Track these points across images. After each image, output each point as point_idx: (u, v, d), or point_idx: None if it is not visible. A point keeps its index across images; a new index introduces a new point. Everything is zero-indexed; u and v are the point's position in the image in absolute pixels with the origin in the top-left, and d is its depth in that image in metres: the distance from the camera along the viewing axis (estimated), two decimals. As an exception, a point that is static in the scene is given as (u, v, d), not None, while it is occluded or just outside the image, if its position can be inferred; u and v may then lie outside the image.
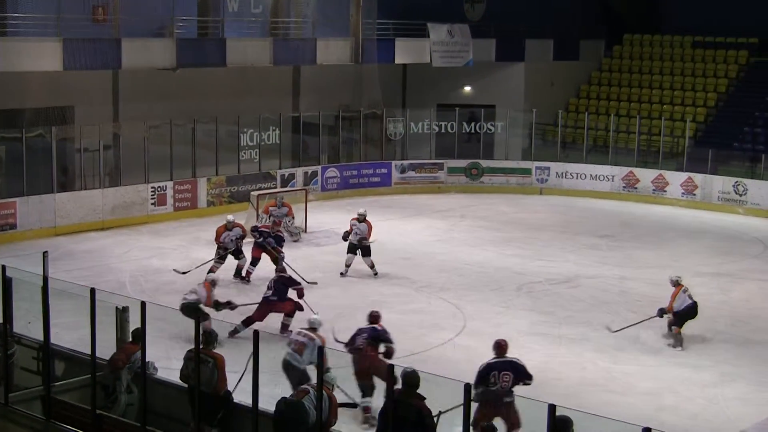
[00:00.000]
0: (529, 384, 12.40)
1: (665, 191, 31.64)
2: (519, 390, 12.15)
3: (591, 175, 32.65)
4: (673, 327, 17.43)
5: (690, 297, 17.43)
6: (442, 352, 17.00)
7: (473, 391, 10.16)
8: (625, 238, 26.49)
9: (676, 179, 31.49)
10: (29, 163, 24.60)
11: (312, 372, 12.43)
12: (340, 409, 10.59)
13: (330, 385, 10.59)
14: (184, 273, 20.73)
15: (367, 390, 13.55)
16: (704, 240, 26.39)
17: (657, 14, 39.79)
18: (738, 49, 36.58)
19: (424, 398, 9.90)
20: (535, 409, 8.88)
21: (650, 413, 14.35)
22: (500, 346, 12.63)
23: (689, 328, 17.61)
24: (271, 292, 17.27)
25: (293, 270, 19.21)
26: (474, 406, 10.94)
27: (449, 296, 20.38)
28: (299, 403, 10.37)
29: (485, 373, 12.33)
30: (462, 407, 8.73)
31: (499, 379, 12.28)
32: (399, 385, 9.88)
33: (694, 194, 31.08)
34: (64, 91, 27.09)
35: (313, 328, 13.78)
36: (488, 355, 12.49)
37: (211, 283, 17.16)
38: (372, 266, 21.66)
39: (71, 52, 25.14)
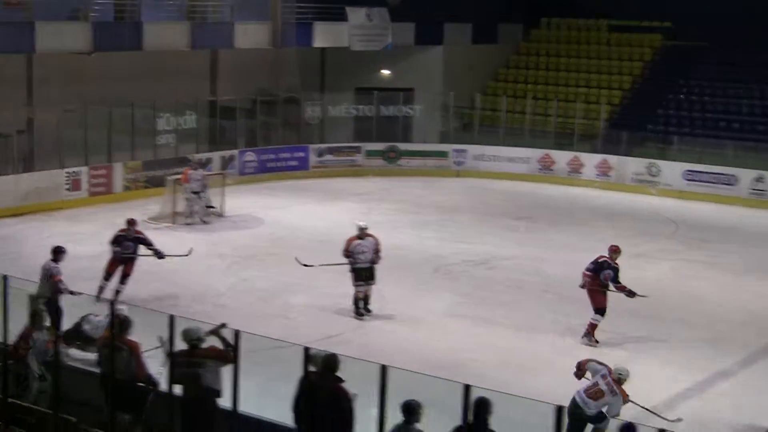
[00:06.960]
0: None
1: (581, 173, 32.06)
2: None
3: (507, 158, 32.91)
4: None
5: None
6: (359, 335, 17.06)
7: None
8: (541, 220, 26.79)
9: (591, 161, 31.93)
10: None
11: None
12: None
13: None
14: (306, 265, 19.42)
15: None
16: (619, 221, 26.78)
17: (574, -2, 40.23)
18: (652, 32, 37.14)
19: (342, 381, 9.91)
20: (451, 390, 8.94)
21: (566, 391, 14.56)
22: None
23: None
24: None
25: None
26: None
27: (368, 279, 20.43)
28: None
29: None
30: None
31: None
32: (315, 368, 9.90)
33: (609, 176, 31.55)
34: (-24, 76, 26.60)
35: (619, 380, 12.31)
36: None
37: None
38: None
39: (-17, 36, 24.73)
